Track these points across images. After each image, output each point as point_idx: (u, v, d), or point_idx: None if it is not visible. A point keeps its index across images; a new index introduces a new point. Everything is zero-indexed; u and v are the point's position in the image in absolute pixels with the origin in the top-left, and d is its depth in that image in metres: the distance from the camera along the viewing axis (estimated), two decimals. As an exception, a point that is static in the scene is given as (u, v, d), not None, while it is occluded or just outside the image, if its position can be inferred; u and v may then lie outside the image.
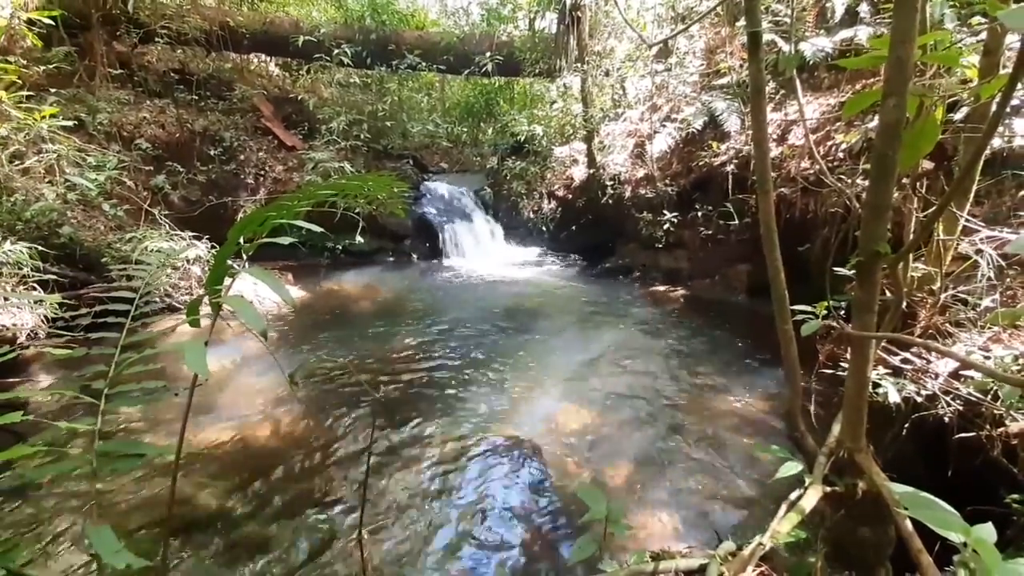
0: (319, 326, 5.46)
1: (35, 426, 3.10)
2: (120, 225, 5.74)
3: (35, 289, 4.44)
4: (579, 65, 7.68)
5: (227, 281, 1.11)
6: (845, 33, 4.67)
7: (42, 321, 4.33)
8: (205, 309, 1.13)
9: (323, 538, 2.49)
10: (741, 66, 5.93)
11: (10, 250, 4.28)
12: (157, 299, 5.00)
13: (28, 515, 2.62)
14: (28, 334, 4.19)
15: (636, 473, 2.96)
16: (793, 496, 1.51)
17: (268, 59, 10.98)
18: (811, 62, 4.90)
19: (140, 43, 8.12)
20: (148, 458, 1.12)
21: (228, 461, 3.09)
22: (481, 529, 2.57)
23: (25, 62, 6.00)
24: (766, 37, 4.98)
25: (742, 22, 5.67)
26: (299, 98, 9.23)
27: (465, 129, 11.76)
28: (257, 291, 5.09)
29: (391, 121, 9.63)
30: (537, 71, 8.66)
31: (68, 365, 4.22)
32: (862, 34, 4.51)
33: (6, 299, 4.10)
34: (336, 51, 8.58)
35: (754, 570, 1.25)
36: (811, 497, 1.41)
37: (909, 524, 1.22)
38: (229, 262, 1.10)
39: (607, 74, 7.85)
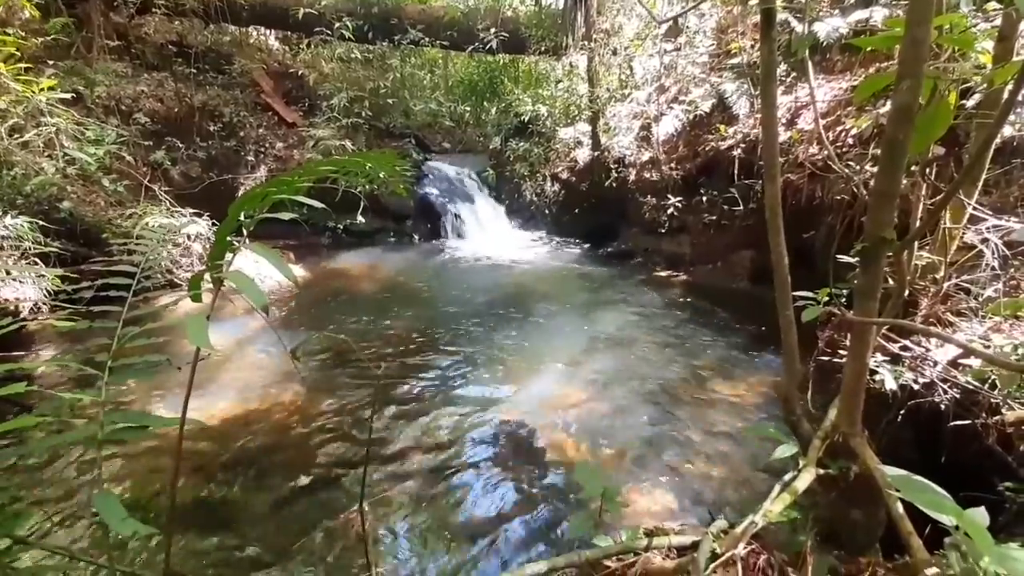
0: (320, 305, 5.48)
1: (40, 397, 3.14)
2: (120, 201, 5.71)
3: (36, 263, 4.45)
4: (586, 43, 7.51)
5: (228, 257, 1.11)
6: (860, 14, 4.54)
7: (45, 295, 4.35)
8: (207, 285, 1.13)
9: (324, 511, 2.55)
10: (752, 46, 5.79)
11: (11, 224, 4.27)
12: (159, 275, 5.01)
13: (33, 484, 2.68)
14: (31, 308, 4.22)
15: (632, 453, 3.00)
16: (787, 477, 1.53)
17: (267, 32, 10.74)
18: (824, 43, 4.78)
19: (137, 14, 7.94)
20: (152, 429, 1.14)
21: (231, 434, 3.14)
22: (479, 505, 2.62)
23: (23, 34, 5.88)
24: (779, 16, 4.85)
25: (755, 0, 5.52)
26: (299, 73, 9.06)
27: (468, 108, 11.56)
28: (259, 269, 5.09)
29: (393, 99, 9.47)
30: (543, 49, 8.47)
31: (71, 338, 4.26)
32: (877, 16, 4.39)
33: (8, 273, 4.11)
34: (337, 24, 8.39)
35: (745, 547, 1.27)
36: (804, 479, 1.43)
37: (900, 507, 1.24)
38: (230, 238, 1.10)
39: (614, 53, 7.68)
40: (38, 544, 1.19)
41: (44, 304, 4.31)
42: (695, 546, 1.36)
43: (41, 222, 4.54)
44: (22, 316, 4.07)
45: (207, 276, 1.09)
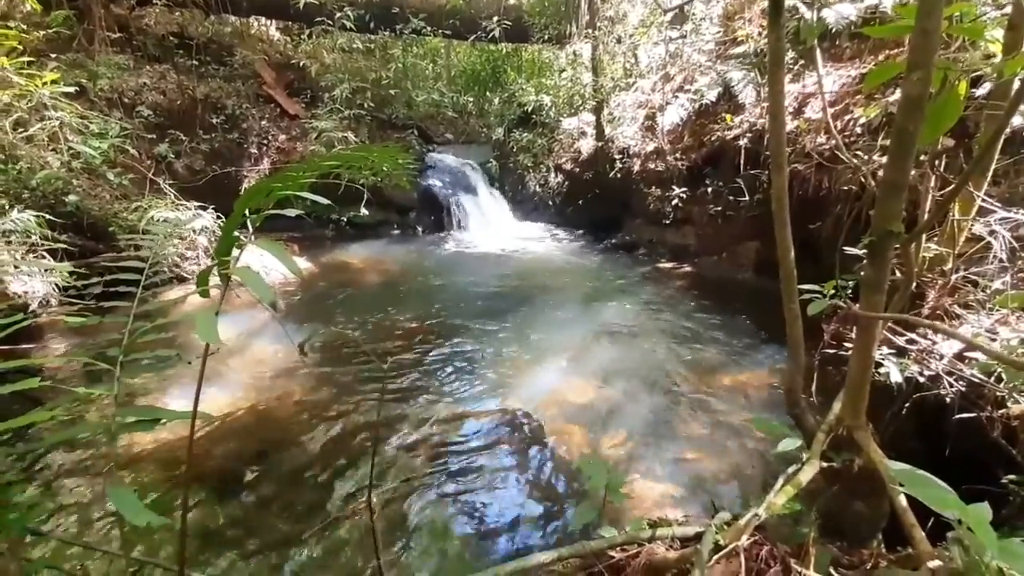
0: (326, 298, 5.51)
1: (52, 391, 3.18)
2: (125, 194, 5.73)
3: (44, 257, 4.48)
4: (590, 31, 7.42)
5: (235, 252, 1.11)
6: (870, 0, 4.46)
7: (53, 289, 4.39)
8: (214, 280, 1.13)
9: (332, 503, 2.58)
10: (760, 34, 5.70)
11: (18, 218, 4.30)
12: (165, 269, 5.05)
13: (47, 477, 2.72)
14: (40, 302, 4.26)
15: (636, 445, 3.02)
16: (790, 470, 1.54)
17: (268, 23, 10.65)
18: (833, 30, 4.70)
19: (137, 5, 7.90)
20: (163, 422, 1.16)
21: (240, 427, 3.19)
22: (485, 496, 2.65)
23: (25, 27, 5.87)
24: (787, 2, 4.76)
25: (762, -13, 5.42)
26: (301, 64, 8.99)
27: (471, 98, 11.46)
28: (264, 263, 5.11)
29: (395, 89, 9.40)
30: (546, 37, 8.38)
31: (82, 333, 4.31)
32: (887, 2, 4.31)
33: (17, 267, 4.14)
34: (338, 14, 8.31)
35: (748, 539, 1.28)
36: (808, 471, 1.44)
37: (903, 500, 1.25)
38: (236, 233, 1.10)
39: (619, 41, 7.59)
40: (53, 536, 1.21)
41: (52, 298, 4.35)
42: (698, 537, 1.37)
43: (47, 216, 4.57)
44: (31, 310, 4.11)
45: (215, 271, 1.10)
